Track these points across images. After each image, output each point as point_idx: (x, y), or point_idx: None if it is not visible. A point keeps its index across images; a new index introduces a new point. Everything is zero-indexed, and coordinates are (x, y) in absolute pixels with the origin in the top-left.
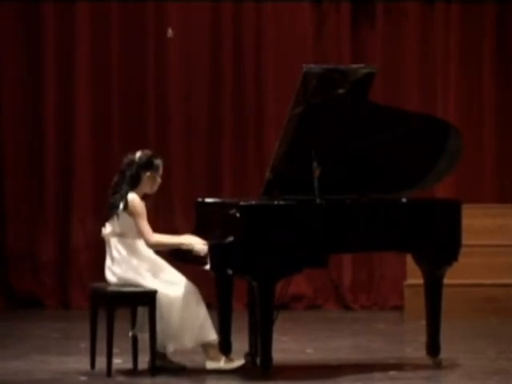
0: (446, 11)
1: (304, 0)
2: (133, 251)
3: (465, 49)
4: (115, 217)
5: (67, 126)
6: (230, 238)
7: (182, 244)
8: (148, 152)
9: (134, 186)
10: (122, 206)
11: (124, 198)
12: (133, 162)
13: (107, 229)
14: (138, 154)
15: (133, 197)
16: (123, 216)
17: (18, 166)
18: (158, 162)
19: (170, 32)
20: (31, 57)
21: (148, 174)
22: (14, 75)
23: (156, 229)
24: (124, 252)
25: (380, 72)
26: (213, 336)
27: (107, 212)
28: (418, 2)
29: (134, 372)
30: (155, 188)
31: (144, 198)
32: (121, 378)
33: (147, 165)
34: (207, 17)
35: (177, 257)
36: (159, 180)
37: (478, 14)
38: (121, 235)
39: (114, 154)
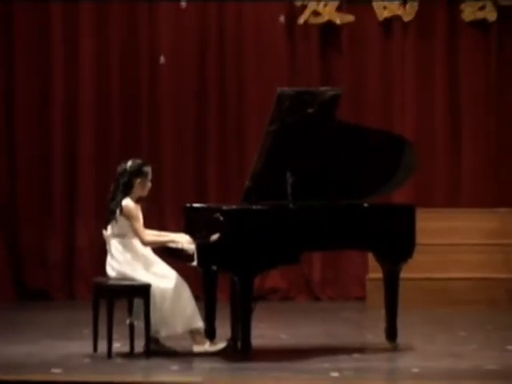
0: (402, 39)
1: (279, 36)
2: (129, 249)
3: (419, 71)
4: (114, 221)
5: (72, 141)
6: (215, 238)
7: (173, 241)
8: (138, 160)
9: (127, 193)
10: (118, 211)
11: (119, 204)
12: (125, 170)
13: (108, 231)
14: (129, 163)
15: (127, 202)
16: (121, 220)
17: (29, 177)
18: (147, 168)
19: (162, 59)
20: (42, 78)
21: (139, 180)
22: (24, 100)
23: (149, 229)
24: (122, 250)
25: (346, 93)
26: (200, 323)
27: (107, 217)
28: (379, 33)
29: (131, 355)
30: (146, 191)
31: (138, 201)
32: (119, 360)
33: (137, 172)
34: (195, 39)
35: (169, 255)
36: (149, 184)
37: (431, 41)
38: (119, 236)
39: (113, 166)
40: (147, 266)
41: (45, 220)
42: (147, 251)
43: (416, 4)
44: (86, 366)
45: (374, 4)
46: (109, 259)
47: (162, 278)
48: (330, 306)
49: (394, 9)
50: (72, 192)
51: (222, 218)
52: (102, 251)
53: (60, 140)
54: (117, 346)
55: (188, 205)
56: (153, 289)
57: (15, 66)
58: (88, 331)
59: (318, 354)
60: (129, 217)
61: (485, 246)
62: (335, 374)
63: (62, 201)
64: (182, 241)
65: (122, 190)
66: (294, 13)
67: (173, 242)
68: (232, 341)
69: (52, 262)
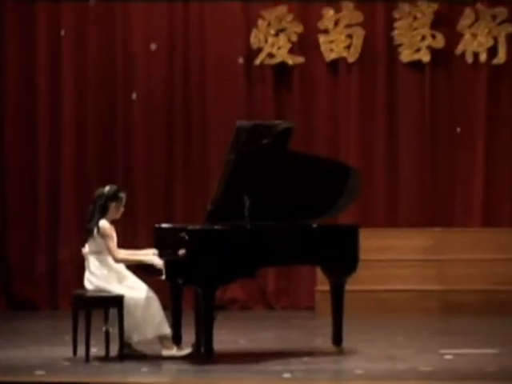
0: (347, 78)
1: (238, 75)
2: (105, 265)
3: (362, 106)
4: (92, 239)
5: (56, 168)
6: (181, 253)
7: (142, 260)
8: (114, 186)
9: (103, 214)
10: (95, 231)
11: (97, 224)
12: (102, 194)
13: (86, 248)
14: (107, 188)
15: (103, 223)
16: (97, 238)
17: (17, 200)
18: (122, 194)
19: (134, 95)
20: (26, 103)
21: (114, 204)
22: (13, 126)
23: (123, 247)
24: (98, 265)
25: (297, 125)
26: (168, 330)
27: (86, 235)
28: (326, 72)
29: (106, 358)
30: (119, 215)
31: (112, 223)
32: (96, 363)
33: (113, 197)
34: (164, 78)
35: (140, 269)
36: (122, 209)
37: (372, 80)
38: (96, 253)
39: (92, 190)
40: (121, 279)
41: (32, 238)
42: (121, 267)
43: (359, 47)
44: (67, 369)
45: (322, 47)
46: (87, 274)
47: (134, 290)
48: (283, 315)
49: (339, 51)
50: (55, 212)
51: (187, 237)
52: (82, 266)
53: (45, 167)
54: (94, 350)
55: (157, 225)
56: (126, 300)
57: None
58: (69, 338)
59: (273, 357)
60: (104, 236)
61: (420, 262)
62: (287, 375)
63: (46, 220)
64: (151, 258)
65: (99, 211)
66: (251, 55)
67: (142, 260)
68: (196, 346)
69: (38, 276)
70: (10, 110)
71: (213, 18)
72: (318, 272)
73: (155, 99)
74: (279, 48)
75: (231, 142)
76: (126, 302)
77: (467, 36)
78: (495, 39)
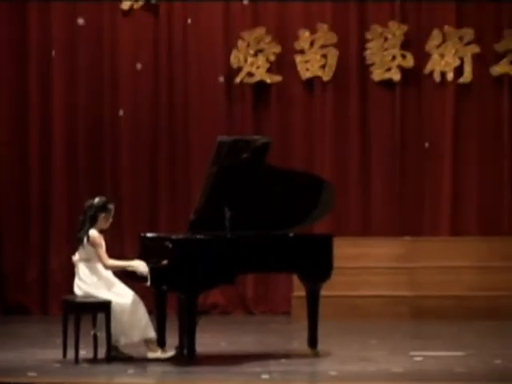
0: (322, 96)
1: (219, 93)
2: (94, 272)
3: (336, 122)
4: (82, 248)
5: (47, 179)
6: (165, 263)
7: (130, 266)
8: (103, 198)
9: (93, 224)
10: (85, 239)
11: (87, 233)
12: (92, 205)
13: (76, 256)
14: (97, 200)
15: (93, 232)
16: (87, 247)
17: (10, 208)
18: (111, 206)
19: (121, 112)
20: (18, 119)
21: (103, 215)
22: (5, 140)
23: (111, 255)
24: (88, 273)
25: (274, 140)
26: (153, 334)
27: (76, 244)
28: (302, 90)
29: (94, 360)
30: (108, 225)
31: (101, 232)
32: (85, 365)
33: (103, 208)
34: (149, 95)
35: (127, 276)
36: (111, 219)
37: (346, 98)
38: (86, 260)
39: (82, 201)
40: (109, 286)
41: (24, 246)
42: (109, 274)
43: (334, 66)
44: (57, 370)
45: (298, 66)
46: (77, 280)
47: (121, 296)
48: (261, 319)
49: (315, 70)
50: (47, 222)
51: (170, 246)
52: (71, 273)
53: (37, 178)
54: (83, 353)
55: (143, 234)
56: (113, 305)
57: None
58: (60, 341)
59: (252, 359)
60: (94, 244)
61: (392, 269)
62: (266, 376)
63: (38, 229)
64: (138, 265)
65: (89, 221)
66: (231, 74)
67: (130, 266)
68: (179, 348)
69: (29, 282)
70: (1, 126)
71: (195, 39)
72: (295, 279)
73: (141, 115)
74: (258, 67)
75: (213, 155)
76: (113, 307)
77: (435, 56)
78: (462, 59)
